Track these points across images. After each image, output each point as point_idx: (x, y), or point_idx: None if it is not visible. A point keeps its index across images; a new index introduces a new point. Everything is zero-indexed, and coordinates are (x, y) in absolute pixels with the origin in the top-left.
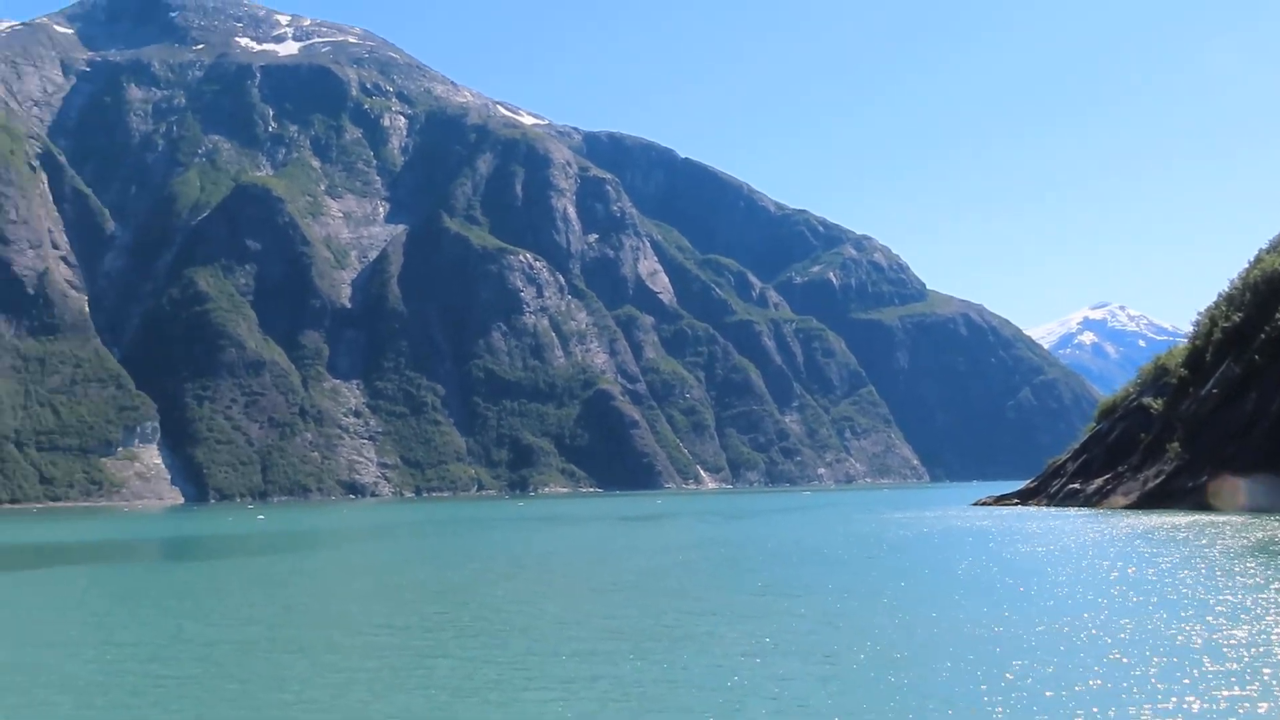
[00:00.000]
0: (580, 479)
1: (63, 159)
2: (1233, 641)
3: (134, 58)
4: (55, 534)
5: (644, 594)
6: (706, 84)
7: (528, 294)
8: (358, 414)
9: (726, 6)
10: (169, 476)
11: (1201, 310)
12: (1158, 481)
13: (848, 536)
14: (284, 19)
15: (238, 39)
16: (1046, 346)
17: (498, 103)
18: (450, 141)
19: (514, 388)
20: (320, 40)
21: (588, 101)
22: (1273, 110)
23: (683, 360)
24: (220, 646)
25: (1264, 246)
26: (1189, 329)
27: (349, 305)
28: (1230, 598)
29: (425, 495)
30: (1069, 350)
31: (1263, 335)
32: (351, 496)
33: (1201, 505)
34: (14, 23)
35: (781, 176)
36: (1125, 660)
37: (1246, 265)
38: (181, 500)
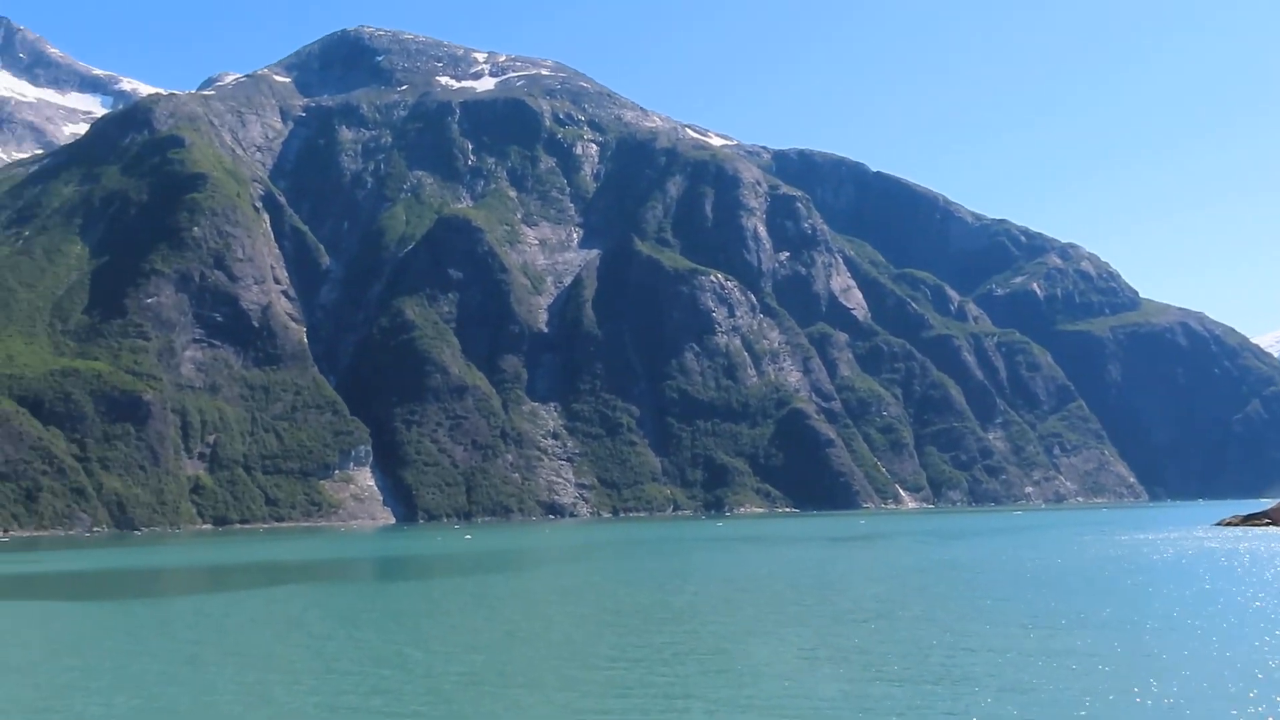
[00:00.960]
0: (776, 499)
1: (282, 199)
2: None
3: (344, 101)
4: (279, 553)
5: (894, 624)
6: (896, 96)
7: (719, 314)
8: (555, 436)
9: (911, 18)
10: (381, 497)
11: None
12: None
13: (1099, 559)
14: (481, 56)
15: (438, 78)
16: (1277, 355)
17: (686, 126)
18: (640, 166)
19: (707, 408)
20: (515, 75)
21: (776, 120)
22: None
23: (879, 377)
24: (445, 678)
25: None
26: None
27: (546, 330)
28: None
29: (622, 515)
30: None
31: None
32: (551, 517)
33: None
34: (238, 75)
35: (978, 186)
36: None
37: None
38: (393, 520)
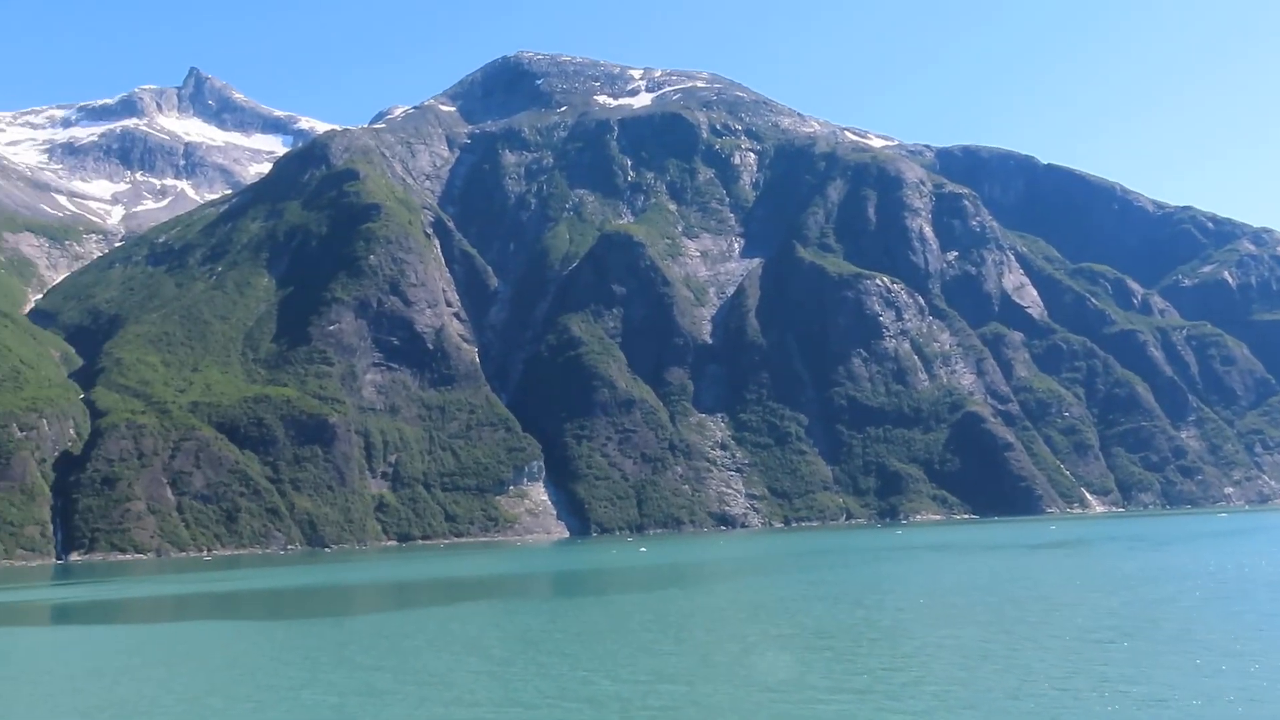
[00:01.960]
0: (953, 505)
1: (451, 224)
2: None
3: (506, 126)
4: (459, 569)
5: (1154, 645)
6: (1062, 85)
7: (887, 318)
8: (724, 447)
9: (1069, 2)
10: (555, 512)
11: None
12: None
13: None
14: (637, 73)
15: (596, 97)
16: None
17: (845, 129)
18: (800, 172)
19: (878, 414)
20: (671, 89)
21: (938, 118)
22: None
23: (1058, 377)
24: (640, 714)
25: None
26: None
27: (710, 341)
28: None
29: (794, 525)
30: None
31: None
32: (722, 528)
33: None
34: (407, 107)
35: (1158, 174)
36: None
37: None
38: (567, 534)
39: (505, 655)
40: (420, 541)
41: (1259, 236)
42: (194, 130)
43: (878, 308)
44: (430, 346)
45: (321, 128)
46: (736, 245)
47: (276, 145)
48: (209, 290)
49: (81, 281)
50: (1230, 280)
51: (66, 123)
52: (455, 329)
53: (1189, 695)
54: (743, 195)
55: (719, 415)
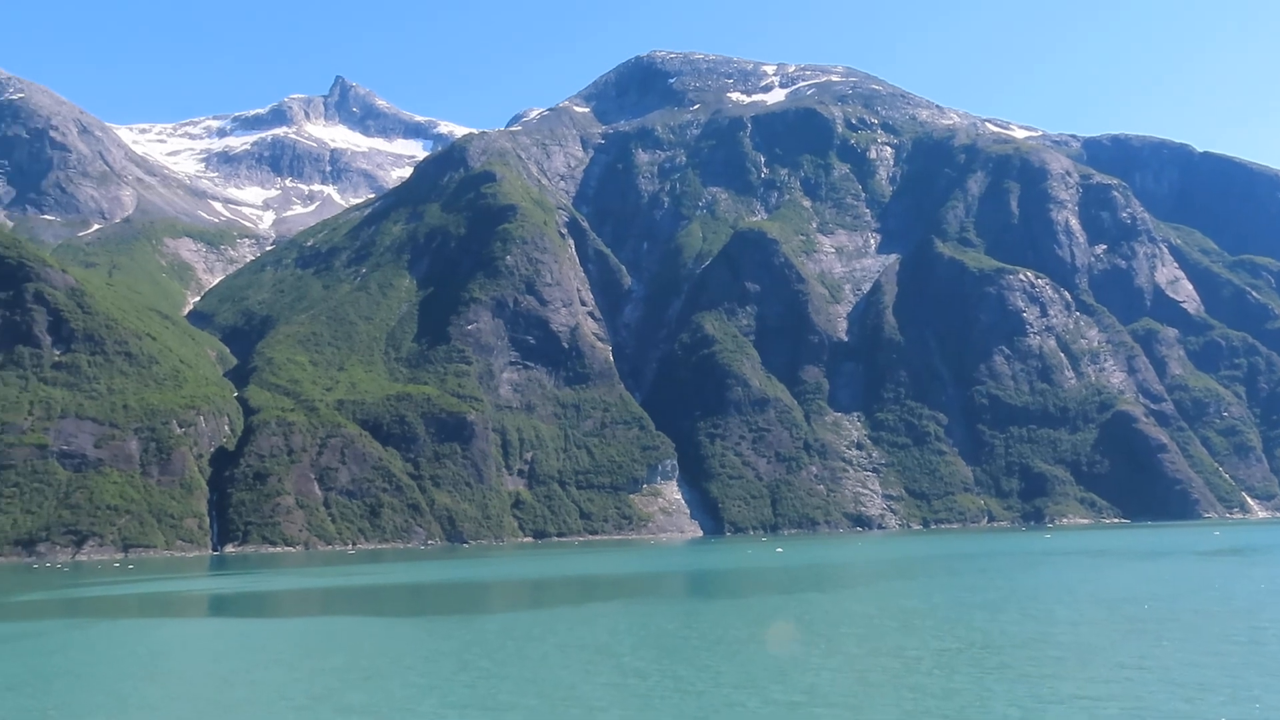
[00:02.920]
0: (1102, 509)
1: (585, 224)
2: None
3: (640, 125)
4: (593, 566)
5: None
6: (1217, 67)
7: (1030, 314)
8: (860, 446)
9: None
10: (688, 511)
11: None
12: None
13: None
14: (770, 69)
15: (729, 94)
16: None
17: (986, 120)
18: (938, 165)
19: (1021, 413)
20: (805, 84)
21: (1084, 106)
22: None
23: (1216, 375)
24: None
25: None
26: None
27: (846, 338)
28: None
29: (932, 528)
30: None
31: None
32: (858, 529)
33: None
34: (542, 109)
35: None
36: None
37: None
38: (700, 533)
39: (638, 665)
40: (555, 538)
41: None
42: (339, 137)
43: (1021, 304)
44: (565, 345)
45: (460, 131)
46: (873, 241)
47: (417, 149)
48: (354, 291)
49: (235, 284)
50: None
51: (222, 132)
52: (590, 328)
53: None
54: (879, 190)
55: (855, 414)
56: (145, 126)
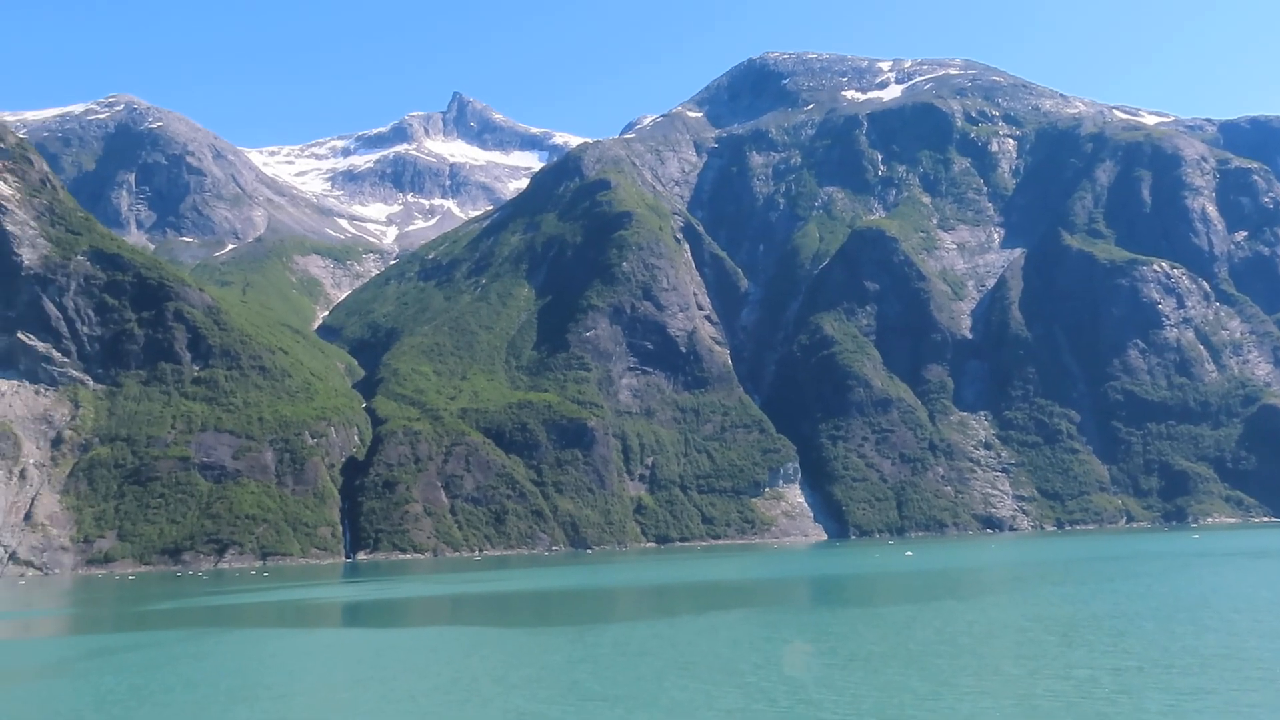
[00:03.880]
0: (1250, 507)
1: (700, 228)
2: None
3: (753, 128)
4: (717, 572)
5: None
6: None
7: (1166, 306)
8: (988, 446)
9: None
10: (811, 514)
11: None
12: None
13: None
14: (885, 65)
15: (844, 93)
16: None
17: (1114, 107)
18: (1064, 155)
19: (1159, 409)
20: (922, 78)
21: (1219, 88)
22: None
23: None
24: None
25: None
26: None
27: (970, 336)
28: None
29: (1067, 529)
30: None
31: None
32: (988, 531)
33: None
34: (655, 116)
35: None
36: None
37: None
38: (824, 536)
39: (765, 686)
40: (677, 543)
41: None
42: (458, 152)
43: (1155, 295)
44: (683, 350)
45: (574, 141)
46: (996, 236)
47: (533, 161)
48: (474, 302)
49: (361, 298)
50: None
51: (346, 152)
52: (707, 331)
53: None
54: (1001, 183)
55: (982, 413)
56: (274, 149)
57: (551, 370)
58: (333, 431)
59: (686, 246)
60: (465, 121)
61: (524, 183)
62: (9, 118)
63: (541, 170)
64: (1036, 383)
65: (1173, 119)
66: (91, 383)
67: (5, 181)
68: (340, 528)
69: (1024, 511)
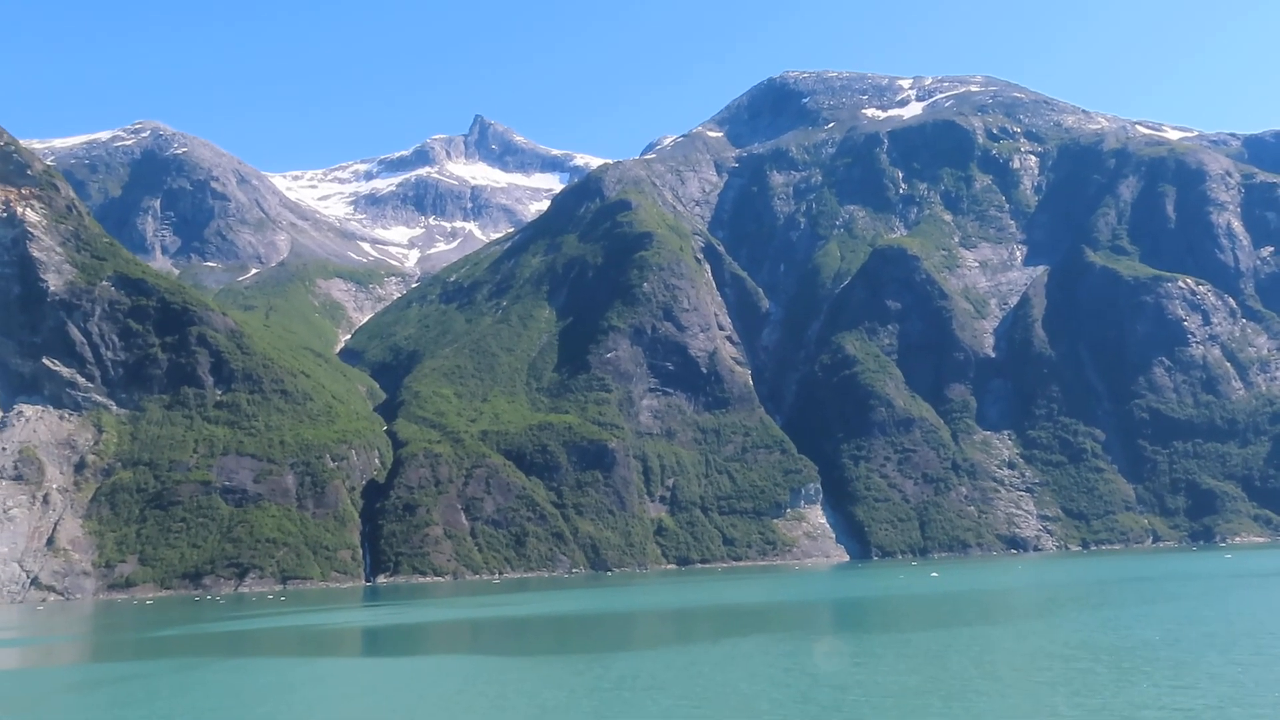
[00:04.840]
0: (1279, 526)
1: (721, 248)
2: None
3: (774, 147)
4: (739, 594)
5: None
6: None
7: (1191, 322)
8: (1011, 465)
9: None
10: (834, 535)
11: None
12: None
13: None
14: (906, 82)
15: (864, 111)
16: None
17: (1137, 123)
18: (1087, 171)
19: (1185, 427)
20: (943, 95)
21: (1245, 102)
22: None
23: None
24: None
25: None
26: None
27: (993, 354)
28: None
29: (1093, 549)
30: None
31: None
32: (1013, 551)
33: None
34: (675, 136)
35: None
36: None
37: None
38: (846, 557)
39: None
40: (699, 565)
41: None
42: (479, 174)
43: (1181, 312)
44: (704, 370)
45: (595, 162)
46: (1018, 253)
47: (554, 183)
48: (495, 324)
49: (383, 321)
50: None
51: (368, 175)
52: (728, 352)
53: None
54: (1023, 200)
55: (1005, 432)
56: (298, 173)
57: (572, 392)
58: (354, 454)
59: (707, 267)
60: (486, 144)
61: (545, 204)
62: (38, 145)
63: (562, 192)
64: (1060, 401)
65: (1196, 134)
66: (115, 407)
67: (32, 208)
68: (360, 551)
69: (1048, 531)
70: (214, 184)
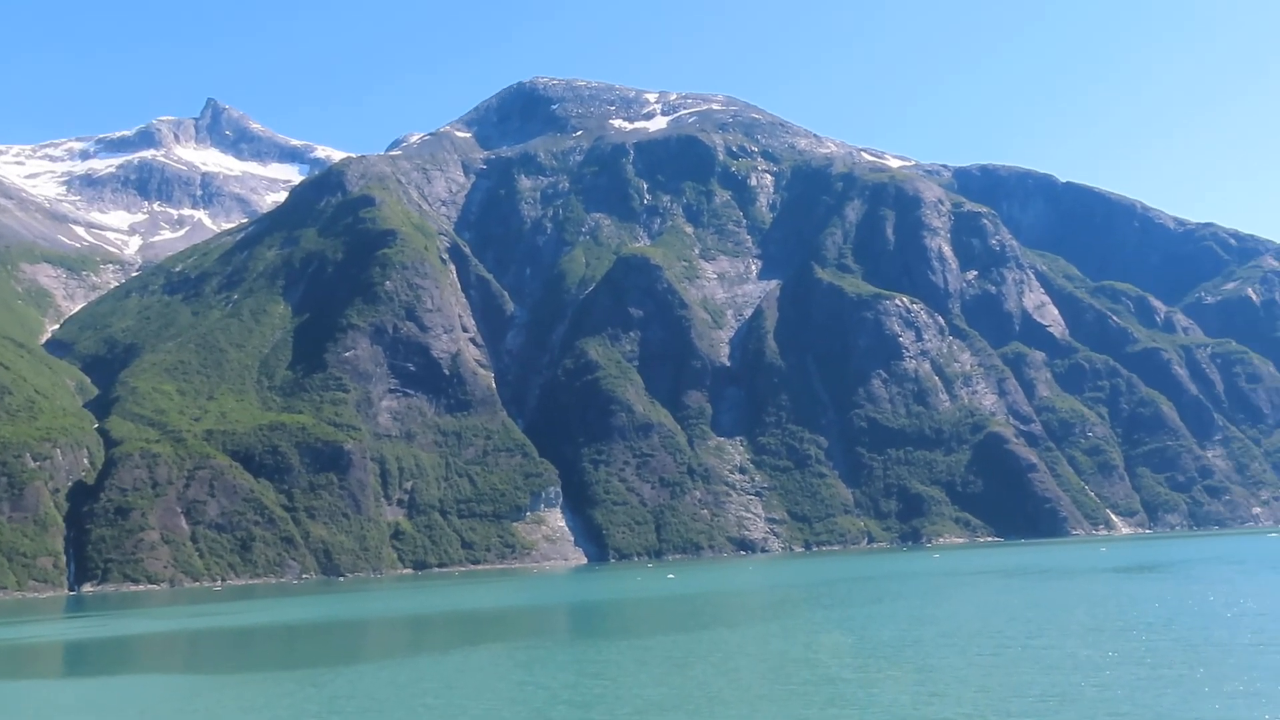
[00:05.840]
0: (976, 528)
1: (467, 250)
2: None
3: (522, 151)
4: (479, 599)
5: None
6: (1080, 104)
7: (906, 338)
8: (743, 470)
9: (1088, 19)
10: (572, 538)
11: None
12: None
13: None
14: (652, 96)
15: (612, 121)
16: None
17: (862, 149)
18: (817, 192)
19: (898, 435)
20: (687, 111)
21: (956, 138)
22: None
23: (1081, 396)
24: None
25: None
26: None
27: (728, 363)
28: None
29: (814, 550)
30: None
31: None
32: (742, 553)
33: None
34: (422, 134)
35: (1179, 191)
36: None
37: None
38: (584, 560)
39: None
40: (436, 569)
41: None
42: (211, 160)
43: (897, 328)
44: (446, 372)
45: (337, 156)
46: (754, 267)
47: (293, 174)
48: (225, 318)
49: (98, 311)
50: (1254, 297)
51: (85, 155)
52: (471, 354)
53: None
54: (760, 217)
55: (738, 438)
56: (1, 148)
57: (307, 391)
58: (58, 454)
59: (452, 267)
60: (220, 129)
61: (282, 196)
62: None
63: (302, 184)
64: (789, 409)
65: (914, 163)
66: None
67: None
68: (64, 558)
69: (775, 534)
70: None
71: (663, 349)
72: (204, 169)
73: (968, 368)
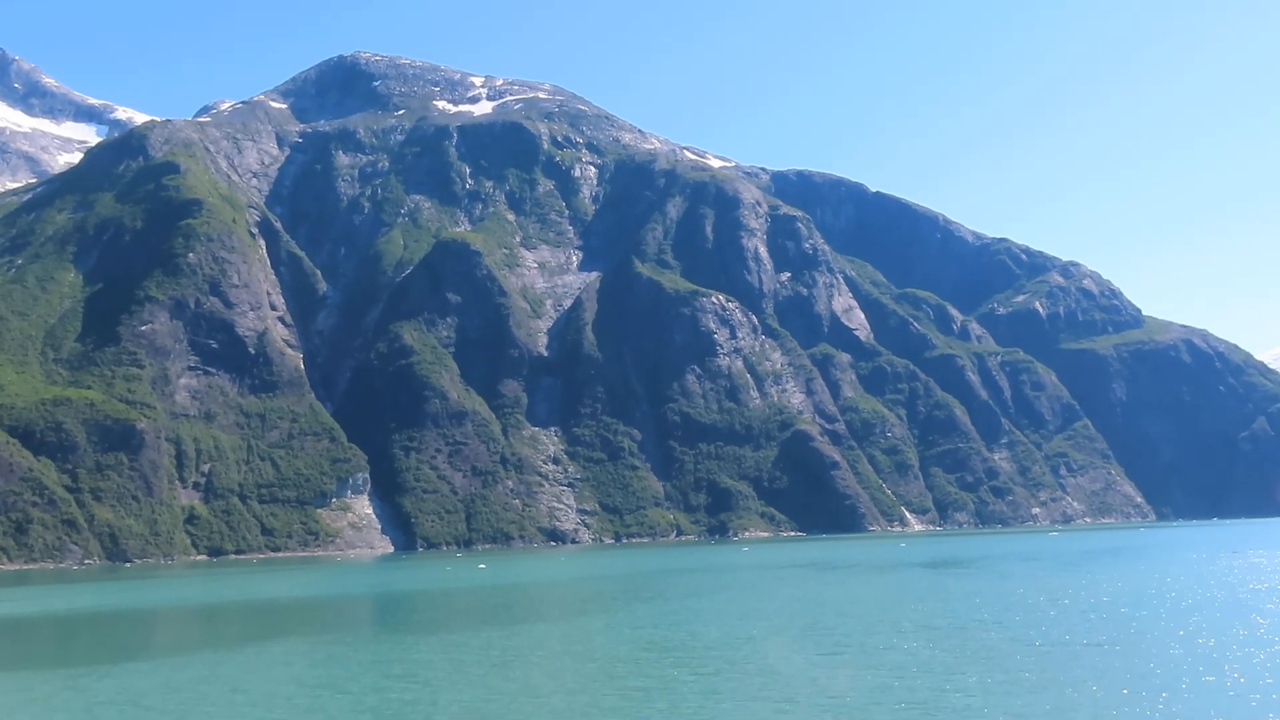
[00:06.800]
0: (781, 522)
1: (279, 225)
2: None
3: (341, 126)
4: (276, 589)
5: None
6: (893, 117)
7: (721, 336)
8: (556, 461)
9: (906, 35)
10: (379, 526)
11: None
12: None
13: None
14: (478, 80)
15: (435, 102)
16: None
17: (685, 148)
18: (640, 188)
19: (710, 431)
20: (513, 98)
21: (774, 142)
22: None
23: (882, 398)
24: None
25: None
26: None
27: (546, 353)
28: None
29: (624, 541)
30: None
31: None
32: (552, 543)
33: None
34: (234, 102)
35: (977, 205)
36: None
37: None
38: (391, 549)
39: None
40: (233, 556)
41: (1067, 269)
42: None
43: (713, 325)
44: (252, 351)
45: (140, 118)
46: (575, 258)
47: (90, 134)
48: (6, 284)
49: None
50: (1040, 310)
51: None
52: (279, 333)
53: None
54: (582, 208)
55: (552, 429)
56: None
57: (98, 365)
58: None
59: (262, 243)
60: (8, 81)
61: (77, 157)
62: None
63: (99, 145)
64: (605, 401)
65: (734, 164)
66: None
67: None
68: None
69: (586, 525)
70: None
71: (480, 336)
72: None
73: (778, 367)
